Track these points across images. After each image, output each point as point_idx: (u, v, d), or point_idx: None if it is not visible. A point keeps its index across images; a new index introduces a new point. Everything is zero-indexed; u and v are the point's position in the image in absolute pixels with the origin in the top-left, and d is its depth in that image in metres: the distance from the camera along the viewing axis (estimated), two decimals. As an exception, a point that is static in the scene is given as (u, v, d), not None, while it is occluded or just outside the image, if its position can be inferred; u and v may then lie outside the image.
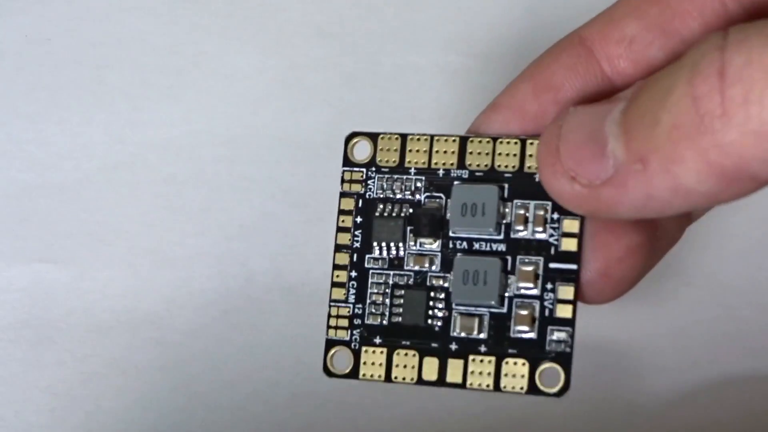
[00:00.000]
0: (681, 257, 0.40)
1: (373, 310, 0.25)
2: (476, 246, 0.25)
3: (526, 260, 0.24)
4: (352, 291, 0.25)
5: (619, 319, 0.39)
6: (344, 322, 0.25)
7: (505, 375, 0.24)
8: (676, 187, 0.21)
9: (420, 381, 0.24)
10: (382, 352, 0.25)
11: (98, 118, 0.39)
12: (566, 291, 0.24)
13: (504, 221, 0.24)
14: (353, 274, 0.25)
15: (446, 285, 0.25)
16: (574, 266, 0.24)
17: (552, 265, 0.24)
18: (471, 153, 0.25)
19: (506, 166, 0.25)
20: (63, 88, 0.39)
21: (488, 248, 0.24)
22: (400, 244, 0.25)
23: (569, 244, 0.24)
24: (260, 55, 0.40)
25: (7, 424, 0.36)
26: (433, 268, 0.25)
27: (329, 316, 0.25)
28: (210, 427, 0.36)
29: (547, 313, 0.24)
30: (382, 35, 0.40)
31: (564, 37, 0.25)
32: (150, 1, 0.40)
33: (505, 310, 0.24)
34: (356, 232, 0.26)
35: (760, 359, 0.38)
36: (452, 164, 0.25)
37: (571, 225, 0.24)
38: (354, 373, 0.25)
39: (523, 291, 0.24)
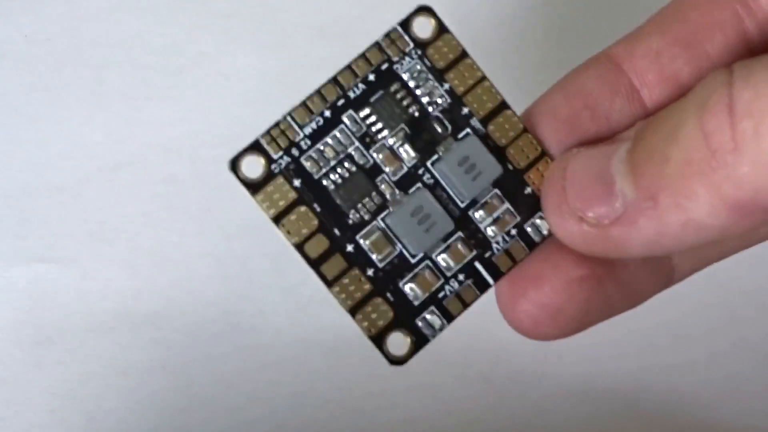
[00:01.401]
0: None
1: (314, 157, 0.24)
2: (439, 193, 0.24)
3: (463, 243, 0.24)
4: (313, 125, 0.24)
5: (619, 319, 0.39)
6: (284, 142, 0.24)
7: (366, 310, 0.24)
8: (687, 222, 0.21)
9: (299, 248, 0.23)
10: (289, 195, 0.23)
11: (98, 118, 0.39)
12: (469, 293, 0.24)
13: (477, 198, 0.24)
14: (326, 114, 0.24)
15: (390, 198, 0.24)
16: (491, 281, 0.24)
17: (476, 264, 0.24)
18: (501, 120, 0.25)
19: (516, 158, 0.24)
20: (63, 88, 0.39)
21: (447, 205, 0.24)
22: (387, 131, 0.24)
23: (503, 262, 0.24)
24: (260, 55, 0.40)
25: (7, 424, 0.36)
26: (392, 176, 0.24)
27: (277, 124, 0.24)
28: (210, 427, 0.36)
29: (441, 295, 0.24)
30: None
31: (592, 56, 0.25)
32: (150, 1, 0.40)
33: (414, 262, 0.24)
34: (361, 85, 0.24)
35: (760, 359, 0.38)
36: (480, 112, 0.24)
37: (517, 251, 0.24)
38: (253, 188, 0.23)
39: (440, 262, 0.24)
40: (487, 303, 0.37)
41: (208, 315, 0.37)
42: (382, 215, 0.24)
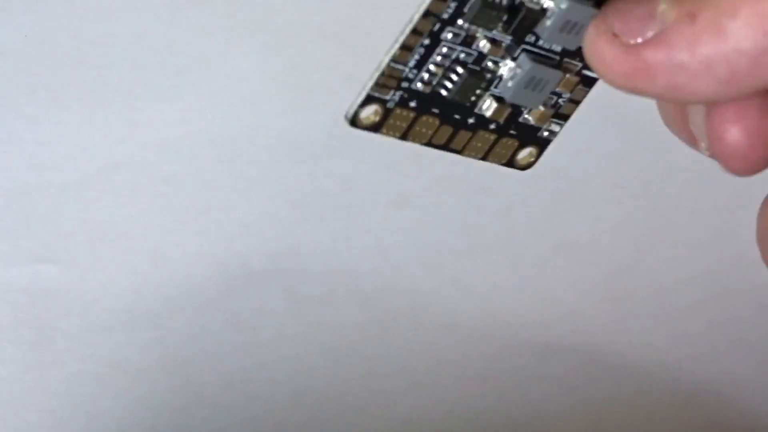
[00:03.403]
0: (680, 257, 0.40)
1: (425, 78, 0.25)
2: (545, 54, 0.25)
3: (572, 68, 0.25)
4: (416, 56, 0.25)
5: (620, 319, 0.39)
6: (393, 83, 0.25)
7: (496, 150, 0.26)
8: (721, 45, 0.20)
9: (429, 143, 0.25)
10: (410, 115, 0.25)
11: (98, 118, 0.39)
12: (580, 92, 0.25)
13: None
14: (426, 41, 0.25)
15: (504, 75, 0.25)
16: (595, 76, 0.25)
17: (585, 72, 0.25)
18: None
19: None
20: (63, 88, 0.39)
21: (553, 58, 0.25)
22: (486, 32, 0.25)
23: None
24: (260, 55, 0.40)
25: (7, 424, 0.36)
26: (500, 56, 0.25)
27: (383, 73, 0.25)
28: (210, 427, 0.36)
29: (555, 105, 0.25)
30: (382, 35, 0.40)
31: None
32: (150, 1, 0.40)
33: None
34: (452, 3, 0.24)
35: (760, 359, 0.38)
36: None
37: None
38: (375, 128, 0.25)
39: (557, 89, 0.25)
40: (487, 303, 0.37)
41: (208, 315, 0.37)
42: (493, 85, 0.25)
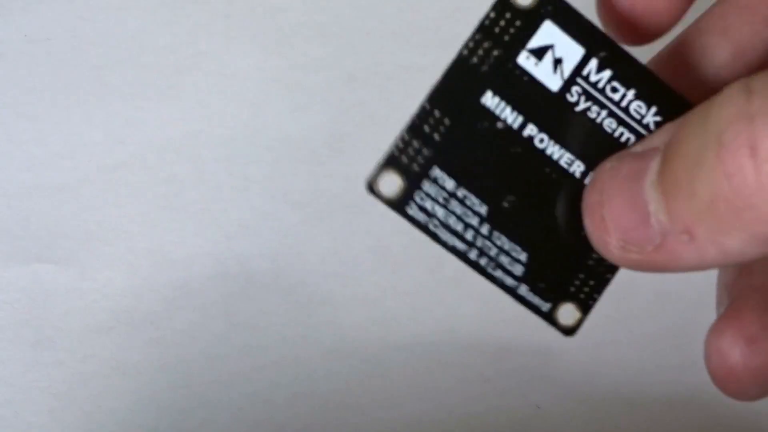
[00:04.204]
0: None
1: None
2: None
3: None
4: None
5: (620, 318, 0.39)
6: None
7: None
8: (724, 254, 0.21)
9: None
10: None
11: (98, 118, 0.39)
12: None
13: None
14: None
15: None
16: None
17: None
18: None
19: None
20: (63, 88, 0.39)
21: None
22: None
23: None
24: (260, 55, 0.40)
25: (7, 424, 0.36)
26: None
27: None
28: (210, 427, 0.36)
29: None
30: (382, 35, 0.40)
31: None
32: (150, 1, 0.40)
33: None
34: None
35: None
36: None
37: None
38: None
39: None
40: (488, 303, 0.37)
41: (208, 315, 0.37)
42: None
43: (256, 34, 0.40)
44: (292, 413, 0.37)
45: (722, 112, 0.20)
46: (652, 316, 0.39)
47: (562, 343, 0.38)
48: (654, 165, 0.22)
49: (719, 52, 0.25)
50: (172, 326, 0.37)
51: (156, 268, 0.38)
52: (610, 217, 0.22)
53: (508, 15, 0.23)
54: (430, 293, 0.38)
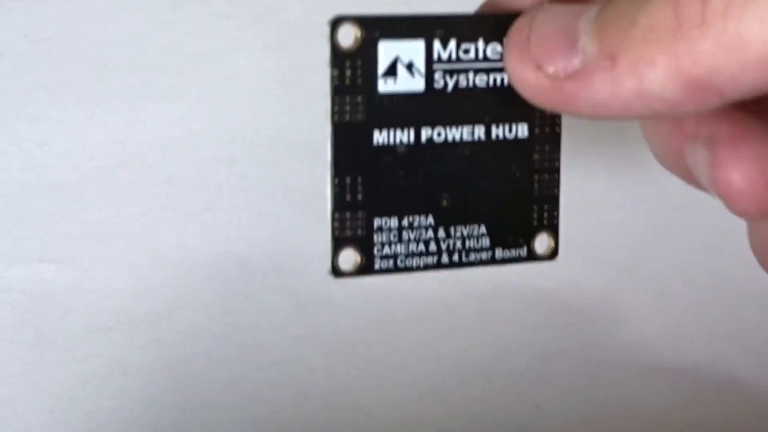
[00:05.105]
0: (681, 257, 0.40)
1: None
2: None
3: None
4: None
5: (619, 319, 0.39)
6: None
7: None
8: (640, 90, 0.21)
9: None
10: None
11: (98, 118, 0.39)
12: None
13: None
14: None
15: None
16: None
17: None
18: None
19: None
20: (63, 88, 0.39)
21: None
22: None
23: None
24: (260, 55, 0.40)
25: (7, 424, 0.36)
26: None
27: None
28: (210, 427, 0.36)
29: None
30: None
31: None
32: (150, 1, 0.40)
33: None
34: None
35: (760, 359, 0.38)
36: None
37: None
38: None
39: None
40: (487, 303, 0.37)
41: (208, 315, 0.37)
42: None
43: (256, 34, 0.40)
44: (292, 413, 0.37)
45: None
46: (653, 315, 0.39)
47: (562, 343, 0.38)
48: (595, 8, 0.22)
49: None
50: (172, 326, 0.37)
51: (156, 268, 0.38)
52: (536, 37, 0.23)
53: (347, 63, 0.25)
54: (430, 293, 0.38)
